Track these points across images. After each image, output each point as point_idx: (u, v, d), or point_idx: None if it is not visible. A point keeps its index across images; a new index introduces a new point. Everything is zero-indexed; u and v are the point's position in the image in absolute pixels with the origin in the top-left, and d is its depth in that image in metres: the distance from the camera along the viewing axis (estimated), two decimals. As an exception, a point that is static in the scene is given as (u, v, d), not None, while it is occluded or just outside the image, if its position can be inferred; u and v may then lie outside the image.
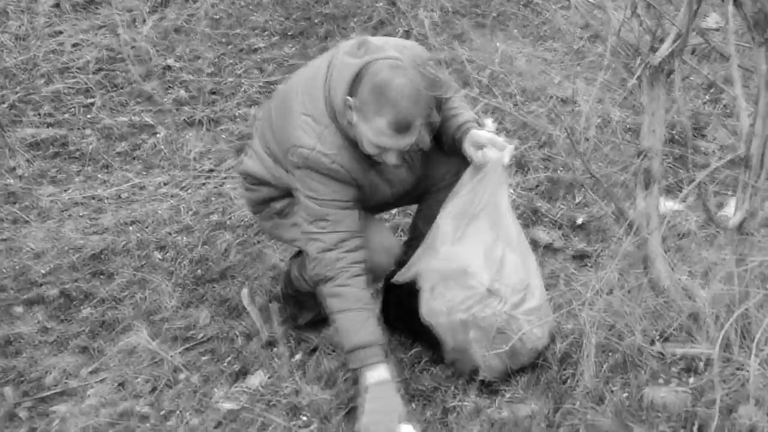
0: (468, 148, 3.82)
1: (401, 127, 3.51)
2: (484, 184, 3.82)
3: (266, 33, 6.52)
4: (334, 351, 4.00)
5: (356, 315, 3.64)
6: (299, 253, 4.06)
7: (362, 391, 3.59)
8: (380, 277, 4.11)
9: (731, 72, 3.45)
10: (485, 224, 3.85)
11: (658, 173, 3.81)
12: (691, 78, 5.91)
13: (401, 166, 3.81)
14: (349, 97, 3.55)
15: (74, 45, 6.29)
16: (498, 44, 6.14)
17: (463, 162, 3.90)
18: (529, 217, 4.84)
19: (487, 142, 3.79)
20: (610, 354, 3.76)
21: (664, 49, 3.71)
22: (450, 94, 3.97)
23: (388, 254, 3.89)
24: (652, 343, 3.74)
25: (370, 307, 3.70)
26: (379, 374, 3.59)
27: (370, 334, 3.63)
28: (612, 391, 3.62)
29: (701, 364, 3.65)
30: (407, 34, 6.15)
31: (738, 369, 3.50)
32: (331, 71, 3.64)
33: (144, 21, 6.38)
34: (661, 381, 3.62)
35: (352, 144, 3.65)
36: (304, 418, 3.70)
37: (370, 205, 3.89)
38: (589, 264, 4.47)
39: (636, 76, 3.73)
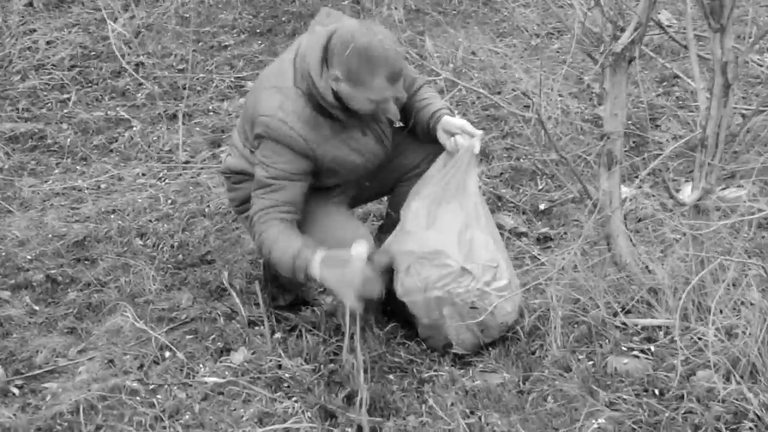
0: (441, 135, 4.05)
1: (396, 76, 3.78)
2: (454, 170, 4.03)
3: (235, 30, 6.72)
4: (314, 328, 4.18)
5: (283, 240, 3.87)
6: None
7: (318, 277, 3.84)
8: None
9: (690, 55, 3.70)
10: (456, 207, 4.05)
11: (620, 154, 4.05)
12: (646, 71, 6.17)
13: (368, 136, 4.02)
14: (333, 71, 3.77)
15: (48, 42, 6.44)
16: (460, 40, 6.37)
17: (436, 150, 4.12)
18: (495, 203, 5.06)
19: (458, 130, 4.02)
20: (576, 326, 3.98)
21: (626, 37, 3.95)
22: (419, 84, 4.20)
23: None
24: (615, 315, 3.96)
25: (288, 230, 3.90)
26: (317, 257, 3.82)
27: (298, 241, 3.86)
28: (578, 360, 3.84)
29: (661, 333, 3.88)
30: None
31: (697, 337, 3.74)
32: (302, 43, 3.90)
33: (115, 19, 6.52)
34: (623, 350, 3.85)
35: (320, 111, 3.86)
36: (287, 390, 3.88)
37: (345, 179, 4.08)
38: (552, 246, 4.69)
39: (599, 62, 3.97)
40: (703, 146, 3.79)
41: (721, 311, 3.74)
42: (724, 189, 4.64)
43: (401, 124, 4.20)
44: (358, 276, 3.78)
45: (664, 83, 6.01)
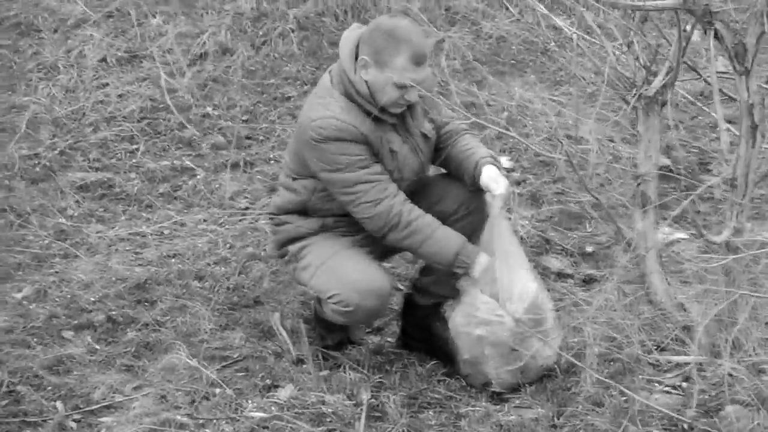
0: (484, 188, 4.19)
1: (420, 59, 3.95)
2: (492, 226, 4.17)
3: (298, 82, 6.95)
4: (358, 366, 4.33)
5: (438, 232, 4.05)
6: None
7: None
8: (373, 319, 4.50)
9: (714, 97, 3.81)
10: (511, 260, 4.19)
11: (654, 195, 4.16)
12: (699, 118, 6.26)
13: (406, 144, 4.17)
14: (363, 57, 3.98)
15: (119, 96, 6.72)
16: (516, 89, 6.52)
17: (472, 196, 4.27)
18: (543, 246, 5.19)
19: (486, 187, 4.15)
20: (611, 363, 4.09)
21: (658, 81, 4.07)
22: (460, 131, 4.36)
23: (378, 297, 4.18)
24: (649, 352, 4.06)
25: (438, 222, 4.09)
26: (482, 260, 4.08)
27: (457, 236, 4.07)
28: (611, 396, 3.94)
29: (693, 371, 3.96)
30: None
31: (728, 374, 3.81)
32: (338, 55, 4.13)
33: (183, 73, 6.79)
34: (656, 386, 3.94)
35: (359, 108, 4.04)
36: (329, 425, 4.02)
37: None
38: (594, 290, 4.79)
39: (631, 106, 4.09)
40: (733, 186, 3.88)
41: (753, 349, 3.81)
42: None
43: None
44: None
45: (717, 128, 6.08)
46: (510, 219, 4.50)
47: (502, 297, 4.12)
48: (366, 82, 4.03)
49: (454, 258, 4.05)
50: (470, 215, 4.25)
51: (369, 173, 4.04)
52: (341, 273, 4.17)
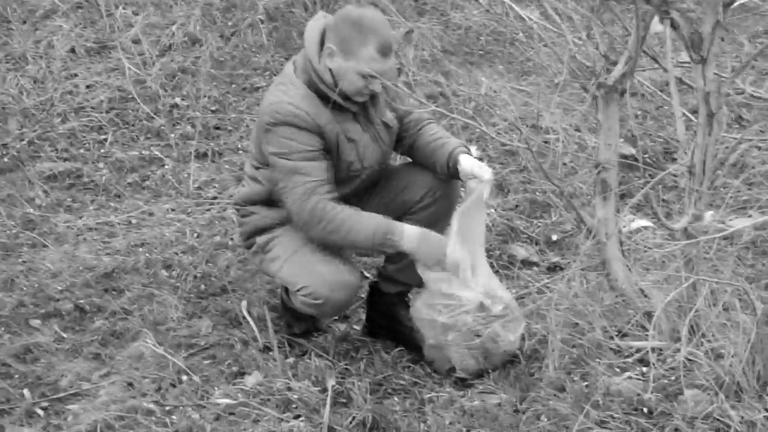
0: (462, 177, 4.23)
1: (386, 49, 4.01)
2: (469, 211, 4.21)
3: (267, 73, 6.97)
4: (324, 353, 4.38)
5: (358, 219, 4.08)
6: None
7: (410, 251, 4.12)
8: (341, 311, 4.54)
9: (670, 86, 3.86)
10: (472, 248, 4.24)
11: (614, 183, 4.21)
12: (665, 107, 6.31)
13: (367, 132, 4.22)
14: (328, 45, 4.02)
15: (88, 86, 6.72)
16: (484, 79, 6.56)
17: (438, 184, 4.32)
18: (509, 234, 5.24)
19: (471, 175, 4.19)
20: (573, 349, 4.13)
21: (617, 70, 4.12)
22: (423, 120, 4.40)
23: (347, 290, 4.24)
24: (611, 338, 4.11)
25: (358, 211, 4.12)
26: (407, 232, 4.09)
27: (378, 217, 4.10)
28: (573, 381, 3.99)
29: (654, 355, 4.02)
30: (398, 72, 6.56)
31: (687, 359, 3.86)
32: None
33: (152, 64, 6.80)
34: (617, 371, 3.99)
35: (319, 98, 4.09)
36: (295, 411, 4.06)
37: (343, 175, 4.24)
38: (558, 277, 4.84)
39: (591, 94, 4.14)
40: (691, 174, 3.93)
41: (713, 334, 3.86)
42: (733, 219, 4.78)
43: (395, 125, 4.38)
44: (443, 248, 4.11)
45: (683, 118, 6.12)
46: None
47: (479, 286, 4.17)
48: (330, 70, 4.06)
49: (381, 238, 4.08)
50: (436, 203, 4.31)
51: (311, 167, 4.09)
52: (310, 266, 4.21)
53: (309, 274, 4.17)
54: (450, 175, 4.27)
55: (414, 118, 4.37)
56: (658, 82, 5.78)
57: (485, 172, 4.16)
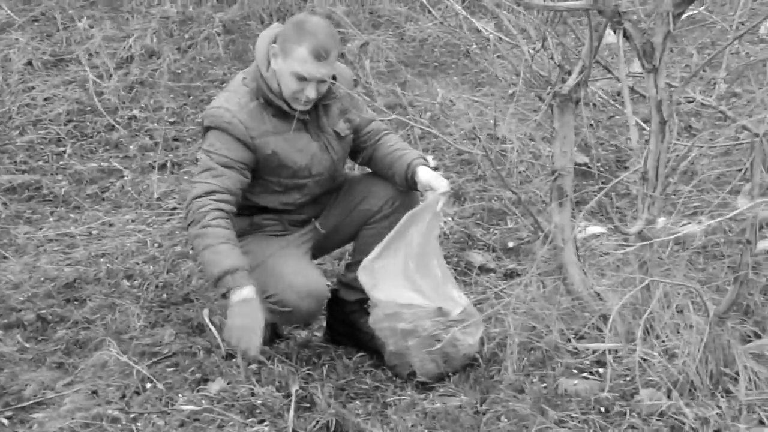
0: (420, 189, 4.32)
1: (320, 54, 4.05)
2: (423, 221, 4.30)
3: (224, 85, 7.02)
4: (287, 359, 4.44)
5: (220, 247, 4.05)
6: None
7: (228, 309, 4.07)
8: (310, 320, 4.60)
9: (623, 94, 3.97)
10: (424, 257, 4.32)
11: (569, 189, 4.31)
12: (617, 117, 6.45)
13: (315, 142, 4.28)
14: (273, 45, 4.10)
15: (46, 99, 6.78)
16: (440, 90, 6.67)
17: (396, 194, 4.41)
18: (465, 242, 5.33)
19: (428, 186, 4.27)
20: (531, 351, 4.23)
21: (572, 79, 4.23)
22: (381, 130, 4.48)
23: (315, 299, 4.28)
24: (568, 341, 4.21)
25: (233, 241, 4.10)
26: (245, 293, 4.03)
27: (235, 260, 4.05)
28: (532, 383, 4.08)
29: (610, 357, 4.12)
30: (354, 83, 6.65)
31: (642, 359, 3.97)
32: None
33: (110, 76, 6.85)
34: (574, 372, 4.09)
35: (262, 108, 4.16)
36: (260, 416, 4.12)
37: (289, 181, 4.30)
38: (515, 282, 4.93)
39: (546, 103, 4.24)
40: (644, 180, 4.04)
41: (666, 335, 3.97)
42: (685, 225, 4.90)
43: (348, 134, 4.44)
44: (257, 337, 4.07)
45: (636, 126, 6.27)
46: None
47: (435, 289, 4.25)
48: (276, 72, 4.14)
49: (219, 275, 4.06)
50: (395, 213, 4.38)
51: (223, 172, 4.13)
52: (279, 274, 4.26)
53: (277, 283, 4.22)
54: (409, 187, 4.35)
55: (373, 129, 4.44)
56: (609, 92, 5.90)
57: (442, 184, 4.25)
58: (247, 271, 4.08)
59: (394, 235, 4.26)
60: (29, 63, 7.07)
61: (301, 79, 4.09)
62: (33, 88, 6.87)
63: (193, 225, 4.12)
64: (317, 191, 4.38)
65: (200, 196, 4.12)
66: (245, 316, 4.06)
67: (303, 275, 4.26)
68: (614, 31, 3.89)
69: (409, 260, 4.24)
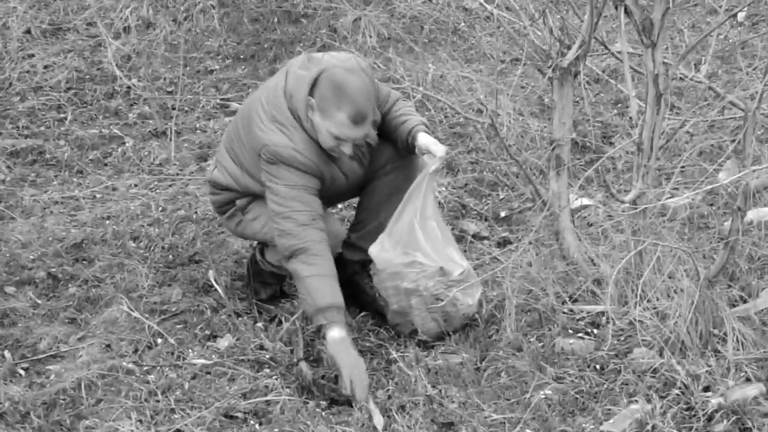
0: (418, 153, 4.49)
1: (359, 119, 4.19)
2: (420, 185, 4.49)
3: (220, 56, 7.22)
4: (291, 316, 4.61)
5: (328, 280, 4.26)
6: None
7: (328, 348, 4.22)
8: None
9: (624, 67, 4.18)
10: (423, 219, 4.51)
11: (567, 158, 4.52)
12: (602, 94, 6.67)
13: (354, 159, 4.45)
14: (311, 98, 4.21)
15: (46, 66, 6.90)
16: (430, 65, 6.86)
17: (399, 154, 4.59)
18: (459, 211, 5.52)
19: (425, 150, 4.45)
20: (528, 313, 4.44)
21: (571, 53, 4.43)
22: (394, 99, 4.65)
23: (336, 239, 4.53)
24: (563, 303, 4.43)
25: (336, 277, 4.31)
26: (340, 332, 4.22)
27: (338, 297, 4.26)
28: (529, 342, 4.29)
29: (603, 319, 4.34)
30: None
31: (636, 320, 4.18)
32: (288, 83, 4.32)
33: (107, 46, 6.98)
34: (570, 332, 4.30)
35: (316, 142, 4.29)
36: (268, 370, 4.31)
37: (328, 196, 4.49)
38: (511, 248, 5.14)
39: (547, 76, 4.44)
40: (640, 150, 4.26)
41: (657, 298, 4.19)
42: (671, 198, 5.11)
43: None
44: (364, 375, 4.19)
45: (619, 105, 6.50)
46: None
47: (436, 250, 4.45)
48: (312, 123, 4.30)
49: (315, 311, 4.25)
50: (395, 171, 4.59)
51: (310, 200, 4.30)
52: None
53: None
54: (408, 151, 4.53)
55: (389, 101, 4.59)
56: (595, 72, 6.10)
57: (440, 149, 4.43)
58: (343, 310, 4.30)
59: (401, 206, 4.45)
60: (28, 31, 7.18)
61: (339, 139, 4.26)
62: (33, 55, 6.99)
63: (301, 254, 4.26)
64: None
65: (304, 225, 4.26)
66: (348, 354, 4.21)
67: (325, 220, 4.42)
68: (615, 8, 4.09)
69: (414, 222, 4.42)
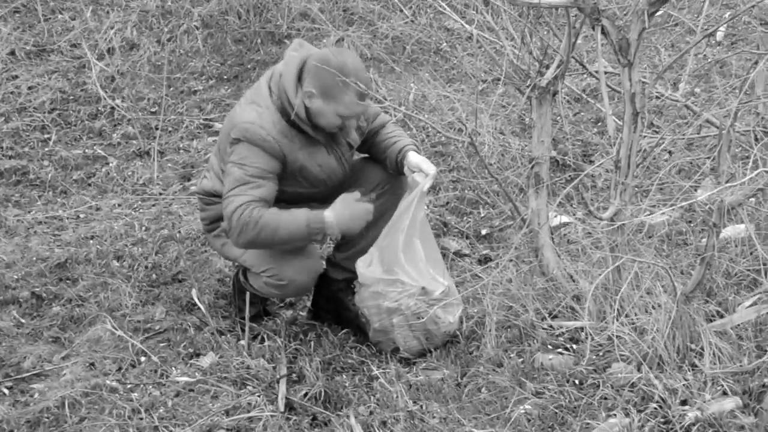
0: (407, 170, 4.58)
1: (364, 94, 4.31)
2: (410, 203, 4.54)
3: (204, 77, 7.26)
4: (275, 335, 4.66)
5: (284, 216, 4.34)
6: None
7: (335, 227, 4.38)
8: (302, 293, 4.83)
9: (600, 86, 4.23)
10: (411, 237, 4.56)
11: (546, 176, 4.57)
12: (582, 113, 6.73)
13: (331, 155, 4.52)
14: (307, 89, 4.30)
15: (30, 87, 6.94)
16: (412, 84, 6.92)
17: (387, 179, 4.67)
18: (441, 229, 5.58)
19: (416, 168, 4.54)
20: (508, 329, 4.49)
21: (550, 73, 4.49)
22: (384, 121, 4.72)
23: (309, 273, 4.57)
24: (543, 319, 4.47)
25: (285, 210, 4.36)
26: (329, 214, 4.37)
27: (300, 211, 4.37)
28: (510, 357, 4.33)
29: (582, 334, 4.39)
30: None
31: (615, 335, 4.23)
32: (276, 68, 4.43)
33: (91, 67, 7.03)
34: (549, 348, 4.35)
35: (292, 125, 4.38)
36: (251, 387, 4.34)
37: (303, 189, 4.53)
38: (491, 265, 5.20)
39: (525, 95, 4.50)
40: (617, 168, 4.31)
41: (635, 314, 4.24)
42: (649, 215, 5.17)
43: (357, 153, 4.72)
44: (363, 210, 4.42)
45: (599, 123, 6.56)
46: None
47: (418, 269, 4.49)
48: (307, 108, 4.36)
49: (306, 229, 4.36)
50: (385, 194, 4.65)
51: (260, 183, 4.36)
52: (276, 250, 4.49)
53: (274, 257, 4.46)
54: (398, 171, 4.62)
55: (377, 122, 4.67)
56: (575, 91, 6.16)
57: (431, 167, 4.51)
58: (316, 206, 4.41)
59: (391, 223, 4.51)
60: (12, 53, 7.22)
61: (346, 117, 4.35)
62: (17, 77, 7.03)
63: (246, 230, 4.33)
64: (326, 194, 4.62)
65: (240, 206, 4.32)
66: (345, 215, 4.40)
67: (298, 253, 4.50)
68: (593, 28, 4.15)
69: (399, 240, 4.47)
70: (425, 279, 4.52)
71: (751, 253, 4.65)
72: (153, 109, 6.86)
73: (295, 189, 4.51)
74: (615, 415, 3.89)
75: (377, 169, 4.67)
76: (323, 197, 4.57)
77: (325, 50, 4.47)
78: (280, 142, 4.37)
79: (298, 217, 4.35)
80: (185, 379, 4.42)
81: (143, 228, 5.61)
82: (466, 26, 4.86)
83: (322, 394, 4.26)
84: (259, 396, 4.26)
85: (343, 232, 4.45)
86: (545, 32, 4.82)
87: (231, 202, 4.35)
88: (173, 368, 4.49)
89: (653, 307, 4.19)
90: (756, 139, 4.59)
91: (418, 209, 4.53)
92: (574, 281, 4.57)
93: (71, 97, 6.88)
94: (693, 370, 4.03)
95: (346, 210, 4.40)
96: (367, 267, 4.52)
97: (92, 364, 4.51)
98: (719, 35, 7.55)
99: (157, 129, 6.61)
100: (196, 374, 4.44)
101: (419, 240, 4.56)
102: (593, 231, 4.74)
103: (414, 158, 4.54)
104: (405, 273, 4.51)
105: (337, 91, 4.30)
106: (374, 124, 4.68)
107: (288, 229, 4.34)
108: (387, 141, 4.62)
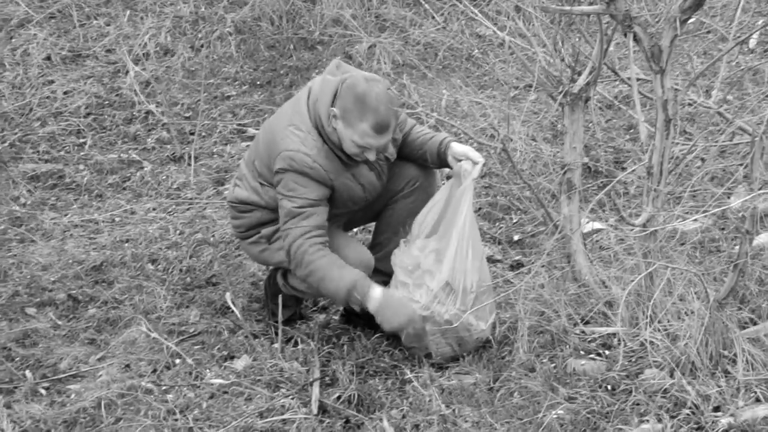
0: (451, 160, 4.60)
1: (381, 129, 4.30)
2: (458, 193, 4.55)
3: (237, 82, 7.33)
4: (308, 338, 4.69)
5: (333, 273, 4.36)
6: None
7: (373, 312, 4.41)
8: None
9: (633, 93, 4.25)
10: (451, 230, 4.57)
11: (578, 182, 4.60)
12: (614, 120, 6.74)
13: (372, 171, 4.54)
14: (333, 108, 4.31)
15: (65, 92, 7.03)
16: (444, 91, 6.95)
17: (418, 175, 4.70)
18: (473, 235, 5.60)
19: (464, 156, 4.56)
20: (541, 334, 4.50)
21: (582, 80, 4.51)
22: (412, 124, 4.75)
23: (365, 267, 4.57)
24: (575, 325, 4.49)
25: (339, 262, 4.40)
26: (376, 294, 4.37)
27: (352, 273, 4.37)
28: (542, 363, 4.35)
29: (615, 340, 4.40)
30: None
31: (648, 342, 4.24)
32: (313, 89, 4.42)
33: (127, 72, 7.10)
34: (582, 353, 4.36)
35: (332, 148, 4.39)
36: (284, 390, 4.38)
37: (347, 209, 4.59)
38: (523, 271, 5.21)
39: (558, 102, 4.53)
40: (650, 174, 4.32)
41: (668, 320, 4.25)
42: (682, 221, 5.18)
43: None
44: (407, 316, 4.41)
45: (632, 130, 6.57)
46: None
47: (458, 271, 4.51)
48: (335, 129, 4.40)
49: (346, 294, 4.38)
50: (415, 192, 4.71)
51: (311, 212, 4.40)
52: (331, 247, 4.50)
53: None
54: (440, 163, 4.65)
55: (408, 125, 4.70)
56: (607, 98, 6.18)
57: (478, 155, 4.55)
58: (365, 275, 4.41)
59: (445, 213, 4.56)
60: (48, 58, 7.31)
61: (363, 147, 4.36)
62: (53, 81, 7.12)
63: (299, 268, 4.42)
64: (364, 205, 4.68)
65: (295, 241, 4.38)
66: (384, 306, 4.41)
67: (352, 248, 4.58)
68: (624, 35, 4.17)
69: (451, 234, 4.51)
70: (450, 274, 4.51)
71: (784, 261, 4.66)
72: (187, 114, 6.93)
73: (337, 209, 4.56)
74: (647, 420, 3.90)
75: (407, 166, 4.71)
76: (359, 207, 4.63)
77: (359, 74, 4.45)
78: (326, 168, 4.40)
79: (345, 277, 4.38)
80: (219, 381, 4.45)
81: (177, 232, 5.66)
82: (498, 33, 4.88)
83: (355, 397, 4.29)
84: (292, 399, 4.29)
85: (377, 318, 4.46)
86: (577, 39, 4.83)
87: (286, 236, 4.42)
88: (208, 370, 4.53)
89: (686, 314, 4.20)
90: (789, 147, 4.59)
91: (465, 201, 4.53)
92: (606, 287, 4.59)
93: (106, 102, 6.96)
94: (726, 376, 4.04)
95: (394, 304, 4.43)
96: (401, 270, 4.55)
97: (128, 365, 4.56)
98: (752, 42, 7.54)
99: (192, 134, 6.67)
100: (231, 376, 4.47)
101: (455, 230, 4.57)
102: (626, 237, 4.75)
103: (459, 148, 4.57)
104: (431, 275, 4.52)
105: (354, 118, 4.30)
106: (405, 130, 4.70)
107: (330, 285, 4.39)
108: (422, 138, 4.66)
